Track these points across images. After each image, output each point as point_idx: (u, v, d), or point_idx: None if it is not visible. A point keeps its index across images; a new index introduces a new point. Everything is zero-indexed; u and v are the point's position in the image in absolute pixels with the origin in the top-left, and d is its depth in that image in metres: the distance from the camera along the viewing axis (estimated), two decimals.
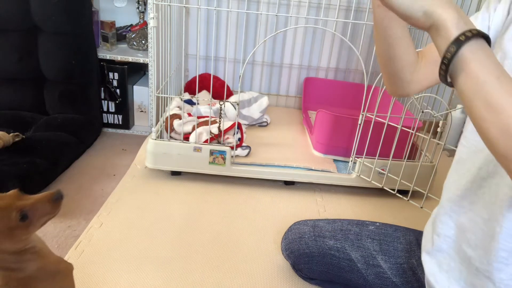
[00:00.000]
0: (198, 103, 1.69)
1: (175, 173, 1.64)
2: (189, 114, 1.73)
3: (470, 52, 0.50)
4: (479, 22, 0.75)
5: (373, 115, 1.51)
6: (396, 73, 0.83)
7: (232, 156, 1.56)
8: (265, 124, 1.99)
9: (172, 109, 1.75)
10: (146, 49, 1.97)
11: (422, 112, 1.47)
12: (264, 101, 1.98)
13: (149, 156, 1.57)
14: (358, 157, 1.58)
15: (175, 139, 1.59)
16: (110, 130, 2.02)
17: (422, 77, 0.84)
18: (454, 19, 0.50)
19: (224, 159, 1.55)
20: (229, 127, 1.61)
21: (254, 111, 1.96)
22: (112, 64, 1.90)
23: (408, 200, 1.51)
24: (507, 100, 0.48)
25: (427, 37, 1.73)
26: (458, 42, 0.49)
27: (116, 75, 1.91)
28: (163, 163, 1.57)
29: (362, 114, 1.52)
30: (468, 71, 0.50)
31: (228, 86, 2.07)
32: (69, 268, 0.79)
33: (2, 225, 0.63)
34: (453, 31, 0.50)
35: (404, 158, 1.55)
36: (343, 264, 1.02)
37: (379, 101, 1.47)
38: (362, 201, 1.60)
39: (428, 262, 0.84)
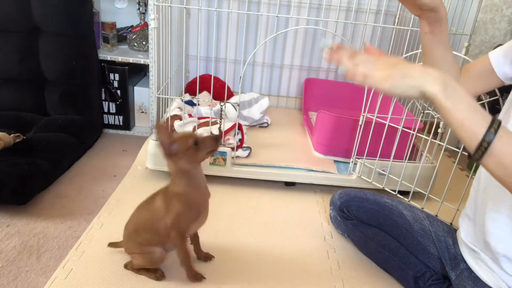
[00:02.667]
0: (198, 104, 1.70)
1: None
2: (190, 115, 1.73)
3: (499, 144, 0.61)
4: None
5: (373, 116, 1.51)
6: None
7: (232, 157, 1.56)
8: (265, 125, 1.99)
9: (172, 110, 1.75)
10: (147, 50, 1.97)
11: (423, 113, 1.47)
12: (264, 102, 1.98)
13: (150, 157, 1.57)
14: (358, 158, 1.57)
15: None
16: (110, 131, 2.02)
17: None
18: (441, 92, 0.62)
19: (224, 160, 1.55)
20: (229, 128, 1.61)
21: (255, 112, 1.96)
22: (113, 65, 1.90)
23: (409, 201, 1.51)
24: None
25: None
26: (489, 137, 0.61)
27: (116, 76, 1.91)
28: (164, 164, 1.55)
29: (363, 115, 1.51)
30: (497, 160, 0.62)
31: (228, 87, 2.07)
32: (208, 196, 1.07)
33: (183, 146, 0.95)
34: (444, 102, 0.62)
35: (405, 159, 1.55)
36: (394, 211, 1.19)
37: (380, 102, 1.47)
38: None
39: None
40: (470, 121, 0.62)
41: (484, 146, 0.61)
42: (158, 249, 1.06)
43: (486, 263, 0.92)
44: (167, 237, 1.02)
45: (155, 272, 1.10)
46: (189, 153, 0.96)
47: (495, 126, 0.61)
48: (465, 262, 0.99)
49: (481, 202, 0.93)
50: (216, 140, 0.98)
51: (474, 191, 0.98)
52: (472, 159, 0.64)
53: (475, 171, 1.42)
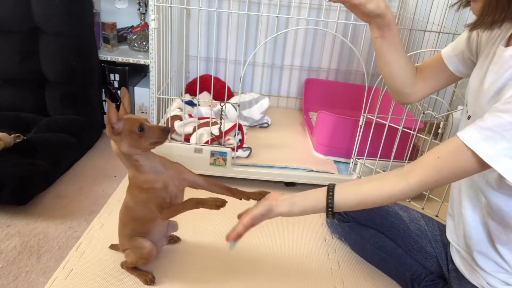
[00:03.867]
0: (199, 104, 1.70)
1: None
2: (190, 115, 1.73)
3: (340, 199, 0.83)
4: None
5: (374, 116, 1.51)
6: (397, 87, 1.01)
7: (233, 157, 1.56)
8: (265, 125, 1.99)
9: (173, 110, 1.75)
10: (147, 51, 1.97)
11: (423, 113, 1.47)
12: (265, 103, 1.98)
13: None
14: (359, 158, 1.57)
15: (176, 140, 1.59)
16: None
17: (420, 88, 1.00)
18: (286, 212, 0.87)
19: (225, 160, 1.55)
20: (230, 128, 1.61)
21: (255, 112, 1.96)
22: (113, 66, 1.90)
23: (409, 201, 1.51)
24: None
25: (427, 41, 1.73)
26: (330, 203, 0.82)
27: (117, 76, 1.91)
28: None
29: (363, 115, 1.51)
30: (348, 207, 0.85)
31: (229, 87, 2.07)
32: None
33: (128, 128, 0.92)
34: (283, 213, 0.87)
35: (405, 159, 1.55)
36: (390, 211, 1.20)
37: (380, 102, 1.47)
38: None
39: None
40: (314, 208, 0.85)
41: (330, 209, 0.82)
42: (147, 243, 1.06)
43: (467, 261, 0.93)
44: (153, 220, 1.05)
45: (145, 275, 1.09)
46: (132, 137, 0.92)
47: (330, 192, 0.82)
48: (453, 262, 1.00)
49: (457, 201, 0.95)
50: (164, 131, 0.94)
51: (453, 189, 0.99)
52: (330, 218, 0.84)
53: None
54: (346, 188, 0.84)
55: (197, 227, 1.34)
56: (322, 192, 0.84)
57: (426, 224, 1.14)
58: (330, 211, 0.82)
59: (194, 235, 1.31)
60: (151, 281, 1.09)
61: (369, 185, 0.82)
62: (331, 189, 0.83)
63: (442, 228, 1.12)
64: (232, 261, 1.21)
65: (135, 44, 2.00)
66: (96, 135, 1.91)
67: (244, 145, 1.66)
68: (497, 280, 0.86)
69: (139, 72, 2.08)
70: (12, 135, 1.48)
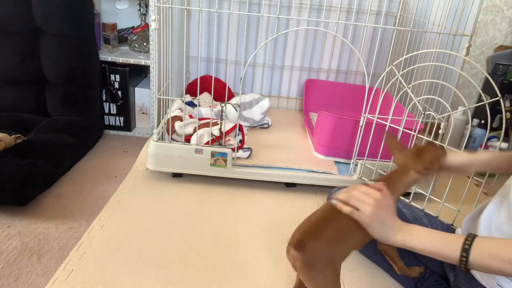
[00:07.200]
0: (199, 105, 1.70)
1: (177, 175, 1.64)
2: (191, 116, 1.73)
3: (477, 257, 0.74)
4: None
5: (374, 117, 1.51)
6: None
7: (233, 158, 1.56)
8: (266, 126, 1.99)
9: (173, 111, 1.75)
10: (148, 51, 1.97)
11: (424, 114, 1.47)
12: (265, 103, 1.98)
13: (151, 158, 1.57)
14: (359, 159, 1.57)
15: (177, 141, 1.59)
16: (111, 132, 2.02)
17: None
18: (403, 240, 0.82)
19: (225, 161, 1.55)
20: (230, 129, 1.61)
21: (255, 113, 1.96)
22: (114, 66, 1.90)
23: (410, 202, 1.51)
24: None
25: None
26: (465, 255, 0.75)
27: (117, 77, 1.91)
28: (165, 165, 1.57)
29: (364, 116, 1.51)
30: (482, 267, 0.76)
31: (229, 88, 2.07)
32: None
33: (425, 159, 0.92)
34: (409, 245, 0.82)
35: None
36: None
37: (381, 103, 1.47)
38: None
39: None
40: (441, 251, 0.78)
41: (463, 263, 0.75)
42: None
43: None
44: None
45: None
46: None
47: (467, 243, 0.75)
48: None
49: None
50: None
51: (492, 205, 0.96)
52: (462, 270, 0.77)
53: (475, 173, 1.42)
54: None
55: (199, 229, 1.34)
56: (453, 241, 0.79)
57: (429, 222, 1.14)
58: (462, 265, 0.76)
59: (195, 236, 1.30)
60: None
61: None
62: (469, 239, 0.77)
63: (444, 227, 1.12)
64: (232, 261, 1.21)
65: (136, 45, 2.00)
66: (97, 135, 1.91)
67: (245, 146, 1.66)
68: (508, 282, 0.86)
69: (139, 73, 2.08)
70: (13, 136, 1.48)
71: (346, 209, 0.85)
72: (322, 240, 0.86)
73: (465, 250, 0.75)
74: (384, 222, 0.83)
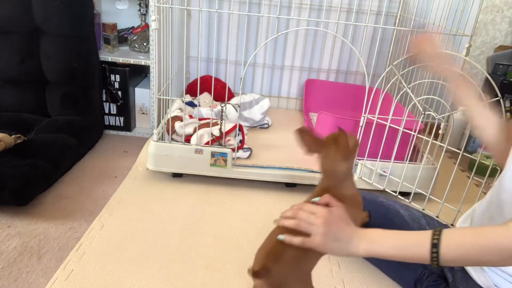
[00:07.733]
0: (199, 105, 1.70)
1: (177, 175, 1.64)
2: (191, 116, 1.73)
3: (447, 249, 0.71)
4: None
5: (374, 117, 1.51)
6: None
7: (233, 158, 1.56)
8: (266, 126, 1.99)
9: (173, 111, 1.75)
10: (148, 51, 1.97)
11: (424, 114, 1.47)
12: (265, 103, 1.98)
13: (151, 158, 1.57)
14: (359, 159, 1.57)
15: (177, 141, 1.59)
16: (111, 132, 2.02)
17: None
18: (364, 250, 0.76)
19: (225, 161, 1.55)
20: (230, 129, 1.61)
21: (256, 113, 1.96)
22: (114, 66, 1.90)
23: (410, 202, 1.51)
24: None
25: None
26: (435, 250, 0.71)
27: (117, 77, 1.91)
28: (165, 165, 1.57)
29: (364, 116, 1.51)
30: (456, 260, 0.72)
31: (229, 88, 2.07)
32: (361, 201, 0.96)
33: (343, 145, 0.89)
34: (373, 253, 0.76)
35: (406, 160, 1.55)
36: (390, 210, 1.16)
37: (381, 103, 1.47)
38: None
39: None
40: (410, 252, 0.74)
41: (435, 259, 0.71)
42: None
43: None
44: None
45: None
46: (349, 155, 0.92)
47: (435, 237, 0.71)
48: None
49: (490, 215, 0.92)
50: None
51: (491, 206, 0.94)
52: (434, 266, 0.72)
53: (476, 172, 1.42)
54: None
55: (199, 229, 1.34)
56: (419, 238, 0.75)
57: (427, 223, 1.14)
58: (434, 260, 0.72)
59: (196, 236, 1.31)
60: None
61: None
62: (437, 233, 0.74)
63: (443, 228, 1.12)
64: (232, 261, 1.21)
65: (136, 45, 2.00)
66: (97, 135, 1.91)
67: (245, 146, 1.66)
68: (506, 282, 0.86)
69: (139, 73, 2.08)
70: (13, 136, 1.48)
71: (296, 240, 0.78)
72: (286, 260, 0.81)
73: (435, 245, 0.71)
74: (339, 238, 0.76)
